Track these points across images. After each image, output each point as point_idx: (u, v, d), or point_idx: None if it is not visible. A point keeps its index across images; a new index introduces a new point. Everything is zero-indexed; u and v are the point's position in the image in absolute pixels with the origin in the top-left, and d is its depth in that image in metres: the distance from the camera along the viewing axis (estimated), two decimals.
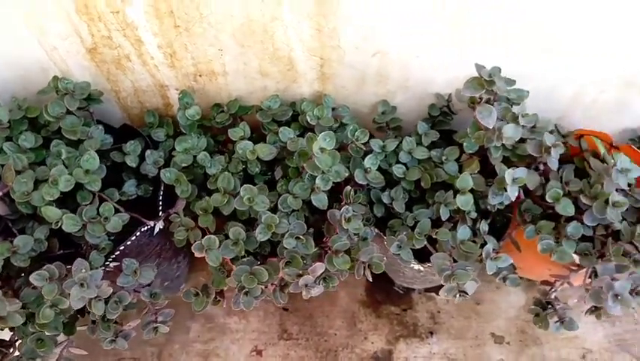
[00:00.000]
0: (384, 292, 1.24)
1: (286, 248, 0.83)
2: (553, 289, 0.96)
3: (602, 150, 0.96)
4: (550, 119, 1.01)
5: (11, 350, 0.89)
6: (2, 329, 0.85)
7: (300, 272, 0.82)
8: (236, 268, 0.82)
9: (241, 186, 0.85)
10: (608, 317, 1.16)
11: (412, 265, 1.01)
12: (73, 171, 0.82)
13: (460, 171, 0.94)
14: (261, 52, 0.86)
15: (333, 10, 0.78)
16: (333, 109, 0.96)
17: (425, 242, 0.90)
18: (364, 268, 0.85)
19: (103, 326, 0.86)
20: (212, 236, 0.83)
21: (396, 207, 0.93)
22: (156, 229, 0.92)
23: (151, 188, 0.95)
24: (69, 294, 0.78)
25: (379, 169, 0.94)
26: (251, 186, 0.83)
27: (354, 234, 0.87)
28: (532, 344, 1.17)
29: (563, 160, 1.04)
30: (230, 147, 0.98)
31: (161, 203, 0.92)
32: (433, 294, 1.23)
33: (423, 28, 0.82)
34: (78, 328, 0.91)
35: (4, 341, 0.89)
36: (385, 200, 0.94)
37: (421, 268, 1.01)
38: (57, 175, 0.81)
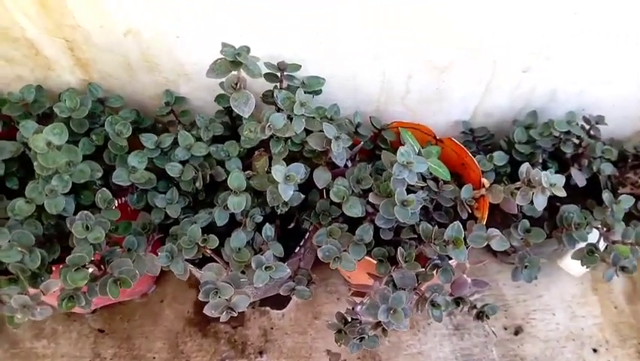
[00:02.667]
0: None
1: (7, 262, 0.70)
2: (360, 301, 0.85)
3: (410, 142, 0.86)
4: (364, 112, 0.91)
5: None
6: None
7: (23, 291, 0.68)
8: None
9: None
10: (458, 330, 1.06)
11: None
12: None
13: (249, 169, 0.83)
14: None
15: None
16: (102, 100, 0.84)
17: (195, 252, 0.78)
18: (109, 283, 0.72)
19: None
20: None
21: (169, 212, 0.81)
22: None
23: None
24: None
25: (155, 169, 0.81)
26: None
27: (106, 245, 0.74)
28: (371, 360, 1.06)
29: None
30: None
31: None
32: (268, 308, 1.11)
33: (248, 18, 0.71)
34: None
35: None
36: (160, 203, 0.82)
37: None
38: None
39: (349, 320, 0.82)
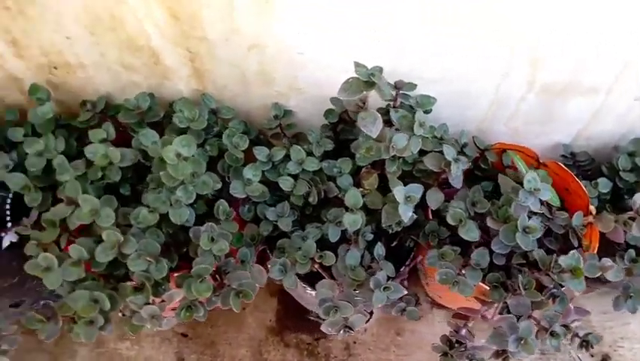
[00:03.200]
0: (296, 319, 1.11)
1: (134, 271, 0.70)
2: (464, 325, 0.84)
3: (520, 166, 0.84)
4: (468, 131, 0.89)
5: None
6: None
7: (150, 300, 0.69)
8: (75, 292, 0.70)
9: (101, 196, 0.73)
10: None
11: (308, 292, 0.89)
12: None
13: (358, 186, 0.82)
14: (115, 41, 0.74)
15: None
16: (215, 111, 0.84)
17: (316, 266, 0.78)
18: (231, 295, 0.72)
19: None
20: (49, 254, 0.70)
21: (281, 225, 0.81)
22: (5, 242, 0.80)
23: (2, 194, 0.82)
24: None
25: (267, 181, 0.82)
26: (91, 197, 0.70)
27: (226, 256, 0.75)
28: None
29: (486, 177, 0.92)
30: None
31: (8, 213, 0.80)
32: None
33: (306, 16, 0.71)
34: None
35: None
36: (271, 216, 0.82)
37: (313, 293, 0.88)
38: None
39: (454, 343, 0.82)
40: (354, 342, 1.09)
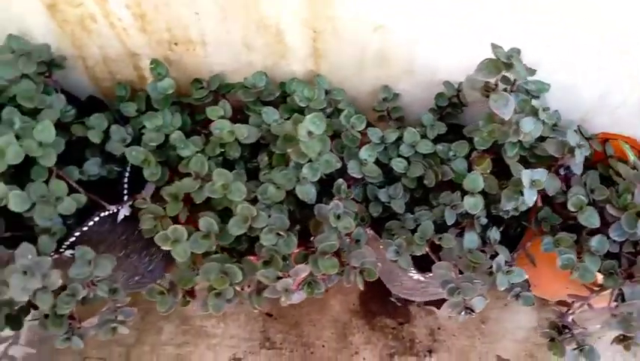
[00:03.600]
0: (379, 303, 1.11)
1: (264, 245, 0.71)
2: (570, 311, 0.83)
3: (630, 156, 0.84)
4: (573, 120, 0.89)
5: None
6: None
7: (280, 274, 0.70)
8: (206, 265, 0.71)
9: None
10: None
11: (411, 275, 0.89)
12: (25, 143, 0.71)
13: (470, 169, 0.82)
14: (244, 18, 0.75)
15: None
16: (327, 92, 0.84)
17: (427, 249, 0.78)
18: (355, 274, 0.73)
19: (54, 323, 0.75)
20: (179, 226, 0.71)
21: (394, 207, 0.81)
22: (120, 216, 0.82)
23: (117, 169, 0.83)
24: None
25: (377, 162, 0.82)
26: (225, 171, 0.71)
27: (345, 234, 0.75)
28: None
29: (584, 166, 0.92)
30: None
31: (126, 186, 0.81)
32: (434, 308, 1.11)
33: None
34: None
35: None
36: (383, 198, 0.82)
37: (422, 279, 0.89)
38: (4, 145, 0.70)
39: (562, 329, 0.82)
40: (439, 328, 1.09)
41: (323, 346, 1.07)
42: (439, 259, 0.81)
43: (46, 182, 0.74)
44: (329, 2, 0.71)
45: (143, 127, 0.84)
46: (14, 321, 0.78)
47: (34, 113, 0.78)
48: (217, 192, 0.72)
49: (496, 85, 0.71)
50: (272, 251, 0.71)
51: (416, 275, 0.88)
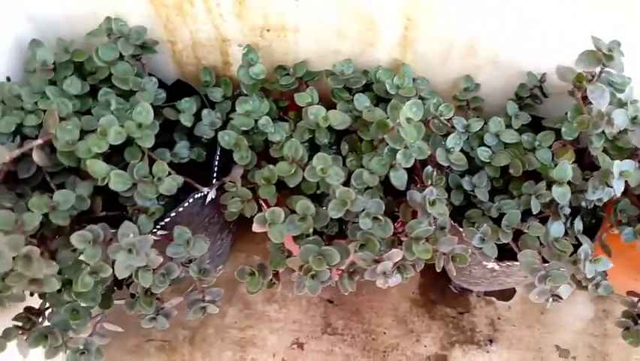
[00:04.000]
0: (438, 292, 1.13)
1: (361, 229, 0.73)
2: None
3: None
4: None
5: (40, 319, 0.80)
6: (33, 295, 0.77)
7: (376, 257, 0.71)
8: (303, 247, 0.72)
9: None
10: None
11: (485, 263, 0.90)
12: (125, 124, 0.73)
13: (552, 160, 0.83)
14: (342, 6, 0.76)
15: None
16: (413, 80, 0.85)
17: (511, 236, 0.80)
18: (445, 259, 0.74)
19: (145, 301, 0.77)
20: (278, 208, 0.73)
21: (479, 195, 0.83)
22: (208, 198, 0.83)
23: (204, 152, 0.85)
24: (112, 261, 0.69)
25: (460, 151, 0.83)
26: (325, 154, 0.73)
27: (433, 221, 0.77)
28: (600, 360, 1.06)
29: None
30: (292, 115, 0.89)
31: (216, 169, 0.83)
32: (493, 299, 1.12)
33: None
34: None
35: (32, 308, 0.80)
36: (467, 186, 0.83)
37: (496, 267, 0.90)
38: (107, 126, 0.71)
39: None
40: (499, 318, 1.11)
41: (384, 333, 1.09)
42: (518, 248, 0.82)
43: (141, 162, 0.76)
44: None
45: (229, 112, 0.86)
46: (105, 300, 0.79)
47: (127, 95, 0.80)
48: (316, 176, 0.73)
49: (592, 76, 0.73)
50: (367, 235, 0.73)
51: (490, 264, 0.90)
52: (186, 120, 0.82)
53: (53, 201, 0.70)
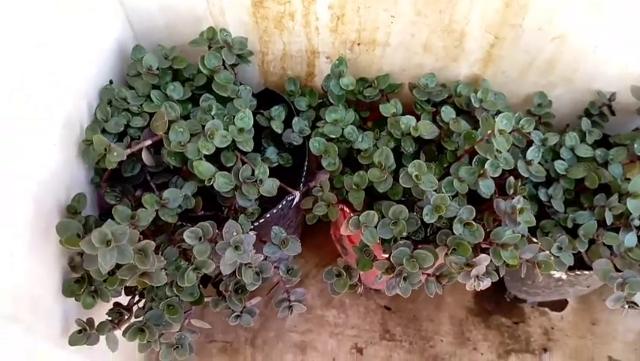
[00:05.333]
0: (493, 302, 1.16)
1: (451, 235, 0.76)
2: None
3: None
4: None
5: (127, 317, 0.82)
6: (133, 292, 0.80)
7: (468, 262, 0.75)
8: (397, 250, 0.76)
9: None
10: None
11: (553, 272, 0.94)
12: (229, 128, 0.77)
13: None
14: (435, 23, 0.80)
15: None
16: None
17: (587, 246, 0.83)
18: (528, 266, 0.78)
19: (235, 298, 0.80)
20: (372, 212, 0.76)
21: (555, 206, 0.86)
22: (294, 202, 0.86)
23: (291, 158, 0.88)
24: (213, 258, 0.72)
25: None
26: (420, 161, 0.77)
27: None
28: None
29: None
30: (370, 125, 0.93)
31: (304, 174, 0.86)
32: (546, 309, 1.15)
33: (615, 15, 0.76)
34: None
35: (121, 304, 0.83)
36: (543, 197, 0.87)
37: (563, 277, 0.94)
38: (214, 129, 0.75)
39: None
40: (552, 328, 1.14)
41: (442, 341, 1.11)
42: (588, 258, 0.86)
43: (235, 165, 0.79)
44: (521, 11, 0.77)
45: (314, 120, 0.90)
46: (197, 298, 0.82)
47: (224, 102, 0.84)
48: (410, 182, 0.77)
49: None
50: (458, 240, 0.76)
51: (558, 273, 0.93)
52: (277, 127, 0.85)
53: (163, 198, 0.73)
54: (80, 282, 0.71)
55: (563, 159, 0.87)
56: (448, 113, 0.84)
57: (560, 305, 1.15)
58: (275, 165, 0.87)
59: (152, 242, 0.67)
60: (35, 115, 0.64)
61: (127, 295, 0.83)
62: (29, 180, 0.62)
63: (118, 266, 0.63)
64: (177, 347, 0.79)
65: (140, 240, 0.66)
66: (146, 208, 0.72)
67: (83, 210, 0.73)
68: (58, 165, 0.69)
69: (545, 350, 1.11)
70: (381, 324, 1.13)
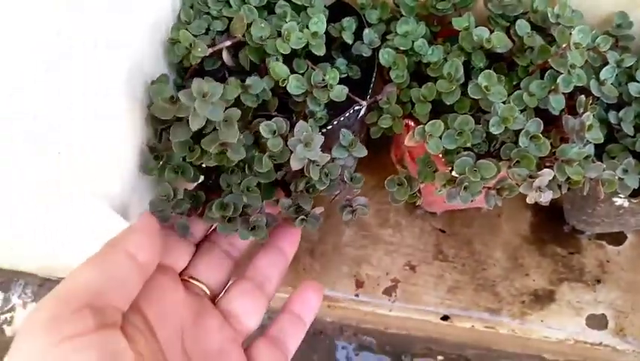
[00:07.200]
0: (550, 233, 1.17)
1: (516, 147, 0.77)
2: None
3: None
4: None
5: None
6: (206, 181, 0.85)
7: (531, 174, 0.76)
8: (460, 159, 0.77)
9: None
10: None
11: (615, 199, 0.93)
12: (304, 31, 0.79)
13: None
14: None
15: None
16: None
17: None
18: (590, 186, 0.78)
19: (303, 199, 0.84)
20: (438, 121, 0.78)
21: (625, 129, 0.85)
22: (360, 113, 0.89)
23: (359, 70, 0.91)
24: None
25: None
26: (491, 72, 0.77)
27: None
28: None
29: None
30: (440, 41, 0.93)
31: (372, 86, 0.88)
32: (604, 242, 1.15)
33: None
34: None
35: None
36: (613, 119, 0.86)
37: (625, 204, 0.93)
38: (291, 30, 0.78)
39: None
40: (608, 261, 1.14)
41: (494, 265, 1.14)
42: None
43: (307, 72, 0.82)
44: None
45: (385, 33, 0.91)
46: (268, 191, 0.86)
47: (298, 10, 0.86)
48: (479, 93, 0.78)
49: None
50: (523, 153, 0.77)
51: (620, 200, 0.93)
52: (348, 38, 0.87)
53: (246, 84, 0.78)
54: (158, 158, 0.75)
55: (639, 82, 0.85)
56: (523, 27, 0.83)
57: (618, 239, 1.15)
58: (344, 75, 0.89)
59: (238, 110, 0.71)
60: (130, 8, 0.68)
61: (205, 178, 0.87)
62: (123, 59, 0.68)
63: (197, 142, 0.68)
64: (254, 227, 0.83)
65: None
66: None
67: None
68: (145, 57, 0.74)
69: (599, 281, 1.11)
70: (435, 245, 1.17)
